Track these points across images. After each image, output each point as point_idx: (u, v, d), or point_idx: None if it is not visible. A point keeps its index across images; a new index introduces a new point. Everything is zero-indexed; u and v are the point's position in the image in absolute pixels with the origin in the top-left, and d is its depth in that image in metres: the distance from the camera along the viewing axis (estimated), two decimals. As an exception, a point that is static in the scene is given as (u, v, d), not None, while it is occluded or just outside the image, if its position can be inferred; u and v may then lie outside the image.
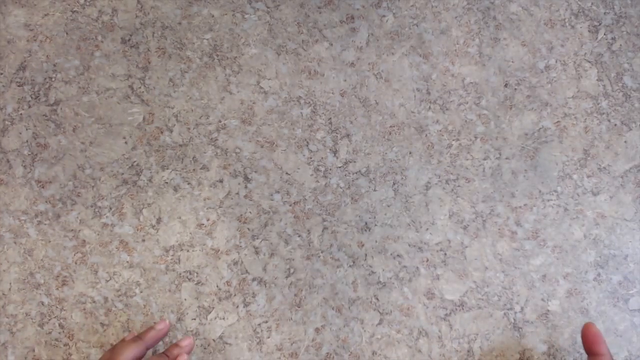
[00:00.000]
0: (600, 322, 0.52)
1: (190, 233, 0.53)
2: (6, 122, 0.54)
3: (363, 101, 0.56)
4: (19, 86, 0.55)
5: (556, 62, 0.57)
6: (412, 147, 0.56)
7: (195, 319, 0.51)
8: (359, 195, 0.54)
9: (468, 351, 0.52)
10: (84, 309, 0.51)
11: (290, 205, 0.54)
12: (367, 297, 0.52)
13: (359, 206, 0.54)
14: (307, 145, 0.55)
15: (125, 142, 0.54)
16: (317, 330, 0.52)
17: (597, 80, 0.57)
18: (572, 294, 0.53)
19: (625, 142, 0.56)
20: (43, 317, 0.51)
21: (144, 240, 0.53)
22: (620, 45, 0.58)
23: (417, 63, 0.57)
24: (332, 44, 0.57)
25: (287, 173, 0.55)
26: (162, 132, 0.55)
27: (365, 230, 0.54)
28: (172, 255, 0.52)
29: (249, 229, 0.53)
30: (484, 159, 0.55)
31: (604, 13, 0.58)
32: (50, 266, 0.52)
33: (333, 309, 0.52)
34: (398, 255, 0.53)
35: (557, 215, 0.54)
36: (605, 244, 0.54)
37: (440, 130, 0.56)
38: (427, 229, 0.54)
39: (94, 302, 0.51)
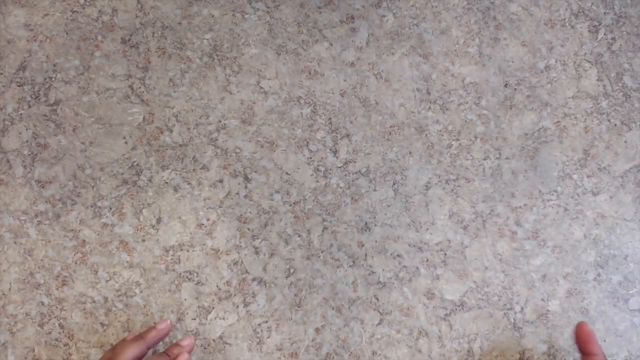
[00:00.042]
0: (600, 322, 0.52)
1: (190, 233, 0.53)
2: (6, 122, 0.54)
3: (363, 101, 0.56)
4: (19, 86, 0.55)
5: (556, 62, 0.57)
6: (412, 147, 0.56)
7: (195, 319, 0.51)
8: (359, 195, 0.54)
9: (468, 351, 0.52)
10: (84, 309, 0.51)
11: (290, 205, 0.54)
12: (367, 297, 0.52)
13: (359, 206, 0.54)
14: (307, 145, 0.55)
15: (125, 142, 0.54)
16: (317, 330, 0.52)
17: (597, 80, 0.57)
18: (572, 294, 0.53)
19: (625, 142, 0.56)
20: (43, 317, 0.51)
21: (144, 240, 0.53)
22: (620, 45, 0.58)
23: (417, 63, 0.57)
24: (332, 44, 0.57)
25: (287, 173, 0.55)
26: (162, 132, 0.55)
27: (365, 230, 0.54)
28: (172, 255, 0.52)
29: (249, 229, 0.53)
30: (484, 159, 0.55)
31: (604, 13, 0.58)
32: (50, 266, 0.52)
33: (333, 309, 0.52)
34: (398, 255, 0.53)
35: (557, 215, 0.54)
36: (605, 244, 0.54)
37: (440, 130, 0.56)
38: (427, 229, 0.54)
39: (94, 302, 0.51)
